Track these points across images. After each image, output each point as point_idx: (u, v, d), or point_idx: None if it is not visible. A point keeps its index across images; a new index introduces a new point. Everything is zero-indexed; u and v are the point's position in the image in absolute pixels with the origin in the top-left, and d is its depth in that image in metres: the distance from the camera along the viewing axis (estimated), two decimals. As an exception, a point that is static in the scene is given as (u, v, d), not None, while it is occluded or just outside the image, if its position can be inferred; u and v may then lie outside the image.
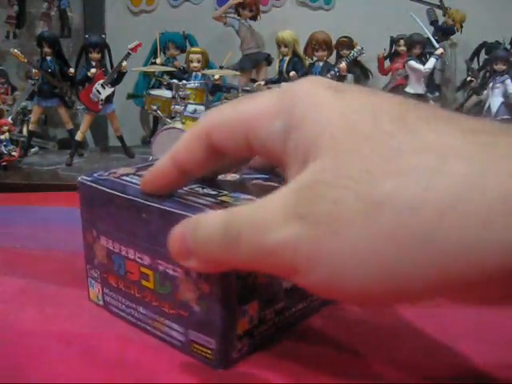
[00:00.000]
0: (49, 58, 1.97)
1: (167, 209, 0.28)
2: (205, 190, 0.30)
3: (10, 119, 1.94)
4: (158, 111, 1.88)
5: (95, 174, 0.33)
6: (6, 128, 1.87)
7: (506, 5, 2.02)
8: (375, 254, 0.18)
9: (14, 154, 1.89)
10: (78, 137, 1.97)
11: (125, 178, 0.32)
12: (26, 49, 2.08)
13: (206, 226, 0.23)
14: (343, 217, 0.19)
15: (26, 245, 0.45)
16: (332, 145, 0.20)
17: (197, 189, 0.30)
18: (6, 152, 1.87)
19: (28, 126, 2.03)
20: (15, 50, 1.92)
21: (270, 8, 2.26)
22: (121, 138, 2.04)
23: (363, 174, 0.19)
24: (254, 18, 2.11)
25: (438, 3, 2.08)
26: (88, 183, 0.32)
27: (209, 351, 0.28)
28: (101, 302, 0.33)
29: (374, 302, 0.22)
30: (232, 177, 0.33)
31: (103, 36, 1.99)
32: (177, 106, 1.81)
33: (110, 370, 0.28)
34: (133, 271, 0.31)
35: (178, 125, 1.74)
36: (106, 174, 0.33)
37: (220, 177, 0.32)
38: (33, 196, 0.64)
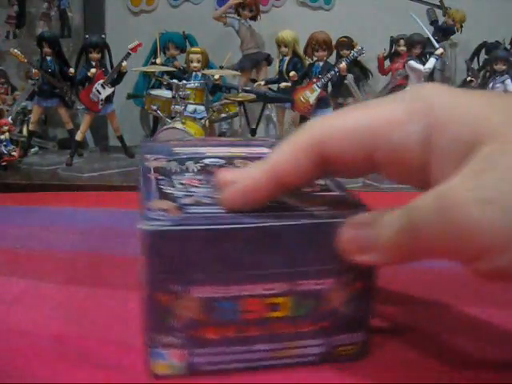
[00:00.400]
0: (49, 58, 1.97)
1: (318, 221, 0.27)
2: (292, 200, 0.28)
3: (10, 119, 1.94)
4: (158, 111, 1.88)
5: (159, 217, 0.26)
6: (6, 128, 1.87)
7: (506, 5, 2.01)
8: None
9: (13, 153, 1.89)
10: (78, 137, 1.97)
11: (195, 210, 0.27)
12: (26, 49, 2.07)
13: (388, 220, 0.23)
14: None
15: (25, 245, 0.45)
16: (497, 131, 0.21)
17: (284, 200, 0.29)
18: (6, 152, 1.86)
19: (28, 126, 2.02)
20: (15, 50, 1.92)
21: (270, 8, 2.26)
22: (121, 138, 2.04)
23: None
24: (253, 18, 2.11)
25: (438, 3, 2.08)
26: (173, 228, 0.26)
27: (354, 346, 0.29)
28: (182, 371, 0.28)
29: None
30: None
31: (103, 36, 1.98)
32: (177, 106, 1.81)
33: (110, 371, 0.28)
34: (254, 309, 0.27)
35: (178, 125, 1.74)
36: (162, 213, 0.26)
37: None
38: (33, 196, 0.64)
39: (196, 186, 0.30)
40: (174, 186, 0.30)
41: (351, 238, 0.25)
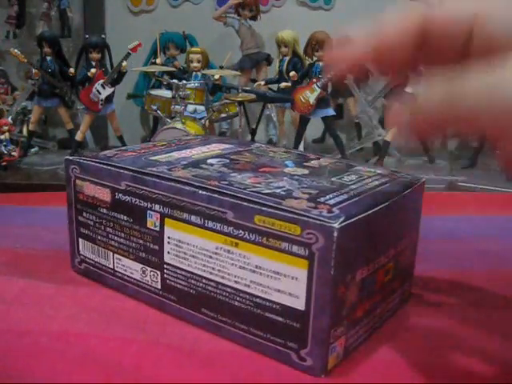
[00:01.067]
0: (49, 57, 1.97)
1: (409, 190, 0.32)
2: (350, 176, 0.34)
3: (10, 119, 1.94)
4: (158, 111, 1.88)
5: (326, 214, 0.27)
6: (5, 128, 1.87)
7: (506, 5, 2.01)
8: None
9: (13, 154, 1.89)
10: (78, 137, 1.97)
11: (331, 198, 0.30)
12: (25, 49, 2.07)
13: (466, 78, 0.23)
14: None
15: (25, 245, 0.45)
16: None
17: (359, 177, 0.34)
18: (6, 152, 1.86)
19: (28, 126, 2.02)
20: (15, 50, 1.92)
21: (270, 8, 2.26)
22: (121, 138, 2.04)
23: None
24: (254, 18, 2.11)
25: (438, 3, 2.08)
26: (346, 223, 0.27)
27: (407, 291, 0.36)
28: (340, 358, 0.29)
29: None
30: (297, 170, 0.35)
31: (103, 36, 1.98)
32: (177, 106, 1.81)
33: (110, 371, 0.28)
34: (380, 278, 0.31)
35: (178, 125, 1.74)
36: (323, 207, 0.28)
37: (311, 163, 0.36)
38: (33, 196, 0.64)
39: (270, 181, 0.31)
40: (256, 186, 0.30)
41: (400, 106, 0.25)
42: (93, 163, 0.36)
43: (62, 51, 2.02)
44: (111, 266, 0.37)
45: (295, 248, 0.27)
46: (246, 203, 0.29)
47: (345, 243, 0.27)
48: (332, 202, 0.28)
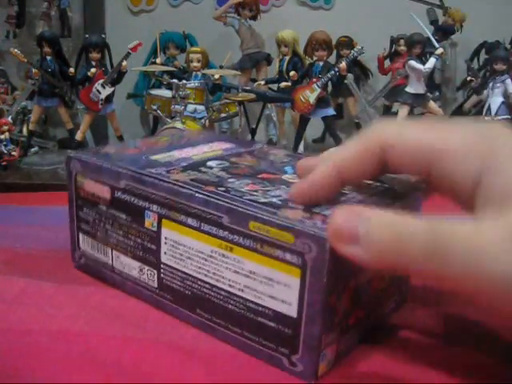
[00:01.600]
0: (49, 57, 1.96)
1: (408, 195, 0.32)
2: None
3: (9, 119, 1.93)
4: (158, 111, 1.87)
5: (319, 224, 0.27)
6: (5, 128, 1.87)
7: (506, 5, 2.01)
8: None
9: (13, 153, 1.88)
10: (78, 137, 1.97)
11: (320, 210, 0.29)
12: (25, 48, 2.07)
13: (405, 228, 0.24)
14: None
15: (25, 245, 0.45)
16: None
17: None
18: (5, 152, 1.86)
19: (28, 125, 2.02)
20: (15, 50, 1.91)
21: (270, 8, 2.25)
22: (121, 138, 2.03)
23: None
24: (253, 17, 2.11)
25: (438, 3, 2.08)
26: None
27: (403, 294, 0.35)
28: (331, 365, 0.29)
29: None
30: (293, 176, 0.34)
31: (103, 36, 1.98)
32: (177, 106, 1.81)
33: (110, 370, 0.28)
34: (376, 286, 0.31)
35: (178, 125, 1.74)
36: (310, 218, 0.28)
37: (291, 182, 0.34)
38: (33, 196, 0.64)
39: (267, 189, 0.32)
40: (253, 195, 0.31)
41: (345, 223, 0.25)
42: (93, 160, 0.36)
43: (62, 51, 2.01)
44: (110, 263, 0.37)
45: (288, 256, 0.27)
46: (241, 209, 0.29)
47: (338, 253, 0.27)
48: (327, 212, 0.29)
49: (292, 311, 0.28)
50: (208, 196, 0.30)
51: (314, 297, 0.27)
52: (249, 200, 0.30)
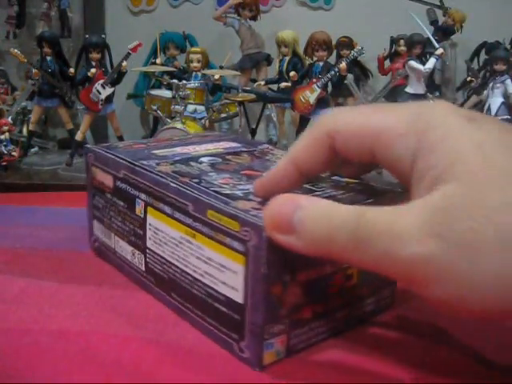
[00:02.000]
0: (49, 57, 1.96)
1: (379, 199, 0.31)
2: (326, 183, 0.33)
3: (10, 119, 1.93)
4: (158, 111, 1.88)
5: (252, 213, 0.28)
6: (5, 128, 1.87)
7: (506, 5, 2.01)
8: (508, 285, 0.20)
9: (14, 154, 1.89)
10: (78, 137, 1.97)
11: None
12: (25, 49, 2.07)
13: (333, 216, 0.24)
14: (480, 245, 0.20)
15: (25, 245, 0.45)
16: (467, 174, 0.22)
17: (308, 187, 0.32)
18: (6, 152, 1.86)
19: (28, 125, 2.02)
20: (15, 50, 1.91)
21: (270, 8, 2.26)
22: (121, 138, 2.03)
23: (504, 206, 0.20)
24: (254, 18, 2.11)
25: (438, 3, 2.08)
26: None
27: (390, 296, 0.35)
28: (281, 356, 0.30)
29: (493, 319, 0.24)
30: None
31: (103, 36, 1.98)
32: (177, 106, 1.81)
33: (110, 369, 0.28)
34: (337, 282, 0.31)
35: (178, 125, 1.74)
36: (256, 207, 0.29)
37: None
38: (33, 196, 0.64)
39: (238, 183, 0.33)
40: (222, 187, 0.32)
41: (278, 211, 0.25)
42: (103, 152, 0.40)
43: (62, 51, 2.02)
44: (113, 247, 0.40)
45: (235, 244, 0.28)
46: (202, 198, 0.31)
47: (279, 244, 0.27)
48: None
49: (239, 297, 0.29)
50: (180, 186, 0.32)
51: (256, 285, 0.28)
52: (214, 191, 0.31)
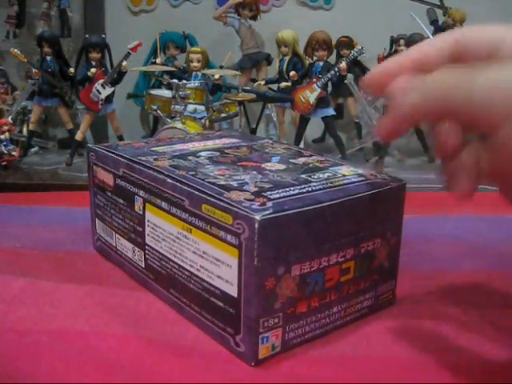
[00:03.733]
0: (49, 57, 1.96)
1: (375, 191, 0.32)
2: (323, 174, 0.34)
3: (9, 119, 1.93)
4: (158, 111, 1.87)
5: (255, 206, 0.28)
6: (5, 128, 1.87)
7: (506, 5, 2.01)
8: None
9: (13, 153, 1.89)
10: (78, 137, 1.97)
11: (269, 194, 0.30)
12: (25, 48, 2.07)
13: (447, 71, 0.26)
14: None
15: (25, 245, 0.45)
16: None
17: (318, 176, 0.33)
18: (6, 152, 1.86)
19: (28, 125, 2.02)
20: (15, 50, 1.91)
21: (270, 8, 2.25)
22: (121, 138, 2.03)
23: None
24: (254, 17, 2.11)
25: (438, 3, 2.08)
26: (276, 215, 0.28)
27: (390, 292, 0.35)
28: (277, 350, 0.30)
29: None
30: (273, 165, 0.36)
31: (103, 36, 1.98)
32: (177, 106, 1.81)
33: (109, 369, 0.28)
34: (332, 276, 0.31)
35: (178, 125, 1.74)
36: (257, 201, 0.29)
37: (267, 170, 0.35)
38: (33, 196, 0.64)
39: (234, 174, 0.33)
40: (217, 178, 0.33)
41: (393, 73, 0.27)
42: (103, 151, 0.40)
43: (62, 51, 2.02)
44: (114, 245, 0.40)
45: (229, 237, 0.29)
46: (197, 192, 0.31)
47: (271, 236, 0.27)
48: (275, 196, 0.30)
49: (234, 291, 0.29)
50: (176, 180, 0.32)
51: (248, 278, 0.28)
52: (209, 182, 0.31)
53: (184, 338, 0.31)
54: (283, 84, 1.99)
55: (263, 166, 0.36)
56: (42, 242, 0.46)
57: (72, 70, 1.98)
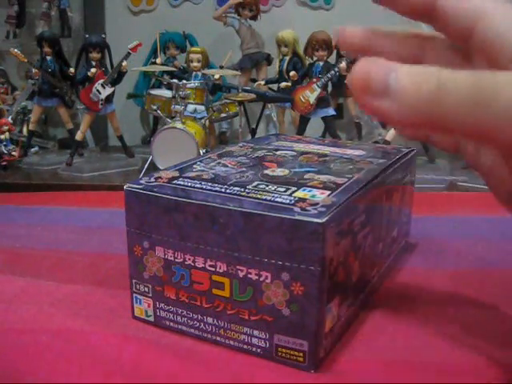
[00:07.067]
0: (49, 57, 1.96)
1: (251, 211, 0.27)
2: (271, 187, 0.30)
3: (10, 119, 1.94)
4: (158, 111, 1.88)
5: (142, 181, 0.31)
6: (6, 128, 1.87)
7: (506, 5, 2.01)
8: None
9: (14, 153, 1.89)
10: (78, 137, 1.97)
11: (176, 182, 0.31)
12: (25, 48, 2.07)
13: (444, 74, 0.20)
14: None
15: (25, 245, 0.45)
16: None
17: (261, 186, 0.31)
18: (6, 152, 1.86)
19: (28, 125, 2.02)
20: (15, 50, 1.91)
21: (270, 8, 2.26)
22: (121, 138, 2.03)
23: None
24: (254, 17, 2.11)
25: (438, 3, 2.08)
26: (141, 191, 0.30)
27: (300, 354, 0.28)
28: (151, 319, 0.32)
29: None
30: (282, 171, 0.34)
31: (103, 36, 1.98)
32: (177, 106, 1.81)
33: (110, 369, 0.28)
34: (201, 281, 0.29)
35: (178, 125, 1.74)
36: (153, 179, 0.31)
37: (269, 171, 0.34)
38: (33, 196, 0.64)
39: (226, 166, 0.34)
40: (211, 163, 0.34)
41: (367, 71, 0.21)
42: None
43: (62, 51, 2.02)
44: None
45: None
46: None
47: (135, 208, 0.30)
48: (182, 182, 0.31)
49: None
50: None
51: (127, 239, 0.32)
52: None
53: (185, 339, 0.31)
54: (283, 84, 1.99)
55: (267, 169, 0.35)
56: (42, 242, 0.46)
57: (72, 69, 1.98)
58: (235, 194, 0.29)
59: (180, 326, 0.31)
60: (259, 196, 0.29)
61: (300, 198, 0.28)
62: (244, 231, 0.28)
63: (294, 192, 0.29)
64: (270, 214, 0.27)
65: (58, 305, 0.34)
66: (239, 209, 0.28)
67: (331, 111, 1.93)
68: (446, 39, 0.26)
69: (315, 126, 2.02)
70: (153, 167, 1.75)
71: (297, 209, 0.27)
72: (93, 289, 0.37)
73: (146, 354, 0.29)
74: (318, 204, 0.28)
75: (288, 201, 0.28)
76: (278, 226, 0.27)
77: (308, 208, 0.27)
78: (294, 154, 0.38)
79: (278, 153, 0.39)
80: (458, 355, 0.30)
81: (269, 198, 0.29)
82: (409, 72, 0.21)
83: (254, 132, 1.92)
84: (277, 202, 0.28)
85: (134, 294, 0.32)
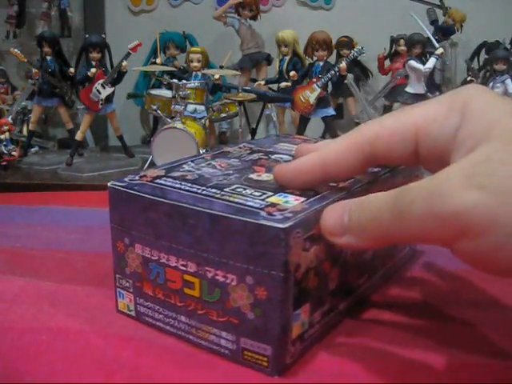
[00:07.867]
0: (49, 57, 1.96)
1: (218, 213, 0.27)
2: (248, 191, 0.30)
3: (10, 119, 1.94)
4: (158, 111, 1.88)
5: (126, 179, 0.32)
6: (6, 128, 1.87)
7: (506, 5, 2.01)
8: None
9: (14, 153, 1.89)
10: (78, 137, 1.97)
11: (159, 181, 0.32)
12: (25, 48, 2.07)
13: (373, 202, 0.25)
14: None
15: (26, 245, 0.45)
16: (504, 134, 0.23)
17: (239, 189, 0.30)
18: (6, 152, 1.86)
19: (28, 125, 2.02)
20: (15, 50, 1.92)
21: (270, 8, 2.26)
22: (121, 138, 2.03)
23: None
24: (254, 17, 2.11)
25: (438, 3, 2.08)
26: (122, 189, 0.31)
27: (264, 358, 0.28)
28: (132, 313, 0.32)
29: None
30: (267, 176, 0.33)
31: (103, 36, 1.98)
32: (177, 106, 1.81)
33: (110, 369, 0.28)
34: (174, 279, 0.30)
35: (178, 125, 1.74)
36: (138, 177, 0.32)
37: (254, 176, 0.33)
38: (33, 196, 0.64)
39: (215, 167, 0.34)
40: (201, 164, 0.35)
41: (331, 217, 0.26)
42: None
43: (62, 51, 2.02)
44: None
45: None
46: None
47: (117, 205, 0.31)
48: (164, 182, 0.31)
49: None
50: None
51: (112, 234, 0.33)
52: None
53: (185, 339, 0.31)
54: (283, 84, 1.99)
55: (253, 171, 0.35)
56: (42, 242, 0.46)
57: (72, 69, 1.98)
58: (209, 196, 0.29)
59: (158, 323, 0.32)
60: (231, 199, 0.29)
61: (272, 203, 0.28)
62: (211, 233, 0.28)
63: (268, 197, 0.29)
64: (235, 217, 0.27)
65: (58, 305, 0.34)
66: (207, 210, 0.28)
67: (331, 111, 1.93)
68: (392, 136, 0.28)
69: (315, 126, 2.02)
70: (153, 167, 1.75)
71: (263, 213, 0.27)
72: (93, 289, 0.37)
73: (147, 355, 0.29)
74: (286, 210, 0.27)
75: (258, 205, 0.28)
76: (242, 229, 0.27)
77: (275, 213, 0.27)
78: (290, 158, 0.37)
79: (273, 157, 0.38)
80: (457, 355, 0.30)
81: (241, 201, 0.28)
82: (354, 210, 0.25)
83: (254, 132, 1.92)
84: (247, 205, 0.28)
85: (118, 289, 0.33)
